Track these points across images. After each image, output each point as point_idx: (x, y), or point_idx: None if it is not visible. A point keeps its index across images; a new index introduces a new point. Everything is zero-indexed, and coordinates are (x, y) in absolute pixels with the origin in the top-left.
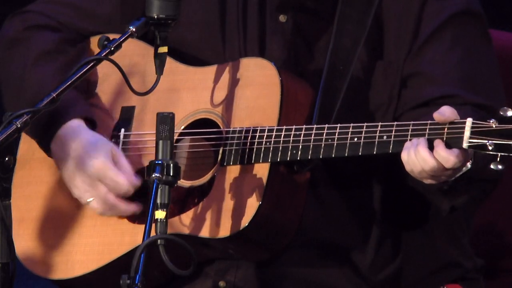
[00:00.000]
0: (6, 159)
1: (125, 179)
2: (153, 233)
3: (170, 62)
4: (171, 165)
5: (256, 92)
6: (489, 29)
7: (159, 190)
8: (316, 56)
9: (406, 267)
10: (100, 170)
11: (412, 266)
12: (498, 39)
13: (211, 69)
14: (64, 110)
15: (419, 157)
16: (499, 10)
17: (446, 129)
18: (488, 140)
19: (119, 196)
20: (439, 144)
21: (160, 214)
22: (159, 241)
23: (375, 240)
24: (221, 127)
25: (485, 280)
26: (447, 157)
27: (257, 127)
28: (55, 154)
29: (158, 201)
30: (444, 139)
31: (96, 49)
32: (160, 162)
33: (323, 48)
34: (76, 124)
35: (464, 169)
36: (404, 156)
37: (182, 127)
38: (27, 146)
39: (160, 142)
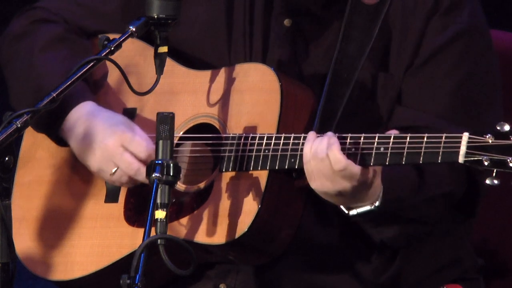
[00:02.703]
0: (6, 159)
1: (148, 142)
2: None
3: (172, 65)
4: (171, 165)
5: (256, 98)
6: (489, 29)
7: (159, 190)
8: (319, 61)
9: (406, 267)
10: (124, 135)
11: (412, 267)
12: (498, 39)
13: (212, 73)
14: (77, 94)
15: (318, 150)
16: (499, 10)
17: (442, 142)
18: (484, 155)
19: (142, 161)
20: (334, 143)
21: (160, 214)
22: (159, 241)
23: (374, 243)
24: (221, 132)
25: (485, 280)
26: (340, 158)
27: (256, 133)
28: (66, 132)
29: (158, 201)
30: (440, 153)
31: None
32: (160, 162)
33: (326, 54)
34: (89, 105)
35: (365, 209)
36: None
37: (182, 132)
38: (30, 144)
39: (160, 142)
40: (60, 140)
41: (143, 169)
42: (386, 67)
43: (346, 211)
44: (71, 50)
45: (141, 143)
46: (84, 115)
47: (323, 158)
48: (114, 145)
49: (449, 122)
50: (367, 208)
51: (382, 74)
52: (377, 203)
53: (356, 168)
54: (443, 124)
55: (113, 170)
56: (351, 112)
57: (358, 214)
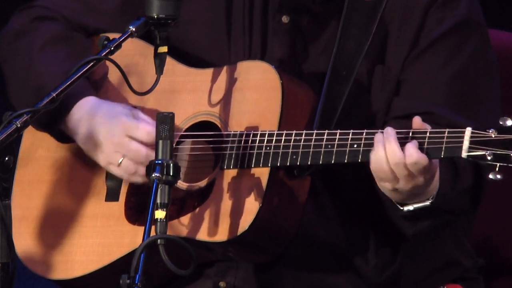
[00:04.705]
0: (6, 159)
1: (153, 127)
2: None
3: (172, 64)
4: (171, 164)
5: (257, 96)
6: (489, 29)
7: (159, 189)
8: (317, 58)
9: (406, 267)
10: (127, 125)
11: (412, 266)
12: (498, 39)
13: (213, 71)
14: (78, 90)
15: (388, 148)
16: (499, 10)
17: (445, 137)
18: (487, 150)
19: (150, 146)
20: (412, 142)
21: (160, 214)
22: (159, 241)
23: (374, 242)
24: (222, 130)
25: (485, 280)
26: (413, 152)
27: (257, 131)
28: (71, 130)
29: (158, 200)
30: (444, 148)
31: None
32: (160, 161)
33: (324, 51)
34: (90, 99)
35: (422, 204)
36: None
37: (183, 130)
38: (29, 144)
39: (160, 142)
40: (62, 137)
41: (152, 154)
42: (382, 60)
43: (401, 207)
44: (70, 48)
45: (145, 127)
46: (87, 111)
47: (399, 162)
48: (119, 135)
49: (443, 108)
50: (423, 204)
51: (380, 67)
52: (433, 198)
53: (428, 161)
54: (438, 110)
55: (120, 161)
56: (350, 107)
57: (414, 210)
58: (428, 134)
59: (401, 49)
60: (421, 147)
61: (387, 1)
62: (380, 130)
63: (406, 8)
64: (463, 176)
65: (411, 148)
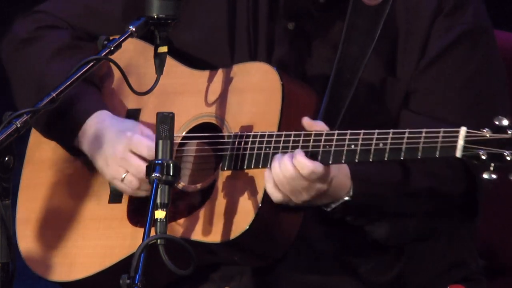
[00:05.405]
0: (6, 159)
1: (153, 143)
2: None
3: (175, 65)
4: (171, 164)
5: (258, 97)
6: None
7: (159, 189)
8: (322, 63)
9: (410, 268)
10: (130, 140)
11: (415, 268)
12: (498, 39)
13: (215, 73)
14: (93, 102)
15: (282, 166)
16: (499, 10)
17: (440, 137)
18: (481, 149)
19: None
20: (299, 152)
21: (160, 214)
22: (158, 241)
23: (377, 244)
24: (223, 131)
25: (486, 281)
26: (304, 163)
27: (258, 132)
28: (84, 144)
29: (158, 200)
30: (438, 148)
31: None
32: (160, 161)
33: (329, 56)
34: (105, 113)
35: (343, 199)
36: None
37: (185, 131)
38: (35, 146)
39: (160, 142)
40: (74, 150)
41: None
42: (393, 71)
43: (325, 208)
44: (79, 57)
45: (147, 143)
46: (96, 126)
47: (292, 176)
48: (123, 150)
49: (459, 124)
50: (340, 201)
51: (389, 78)
52: (349, 195)
53: (322, 168)
54: (447, 126)
55: (123, 176)
56: (357, 115)
57: (337, 209)
58: (423, 134)
59: (409, 58)
60: (314, 152)
61: (390, 5)
62: (376, 131)
63: (411, 15)
64: (415, 179)
65: (301, 158)
